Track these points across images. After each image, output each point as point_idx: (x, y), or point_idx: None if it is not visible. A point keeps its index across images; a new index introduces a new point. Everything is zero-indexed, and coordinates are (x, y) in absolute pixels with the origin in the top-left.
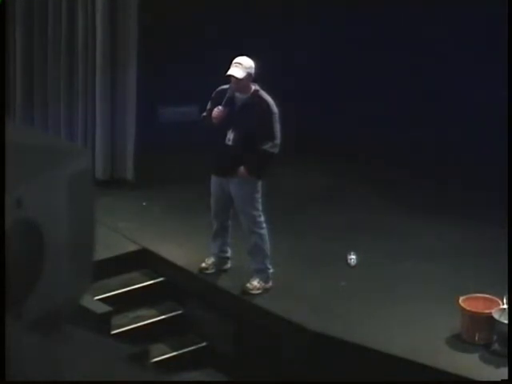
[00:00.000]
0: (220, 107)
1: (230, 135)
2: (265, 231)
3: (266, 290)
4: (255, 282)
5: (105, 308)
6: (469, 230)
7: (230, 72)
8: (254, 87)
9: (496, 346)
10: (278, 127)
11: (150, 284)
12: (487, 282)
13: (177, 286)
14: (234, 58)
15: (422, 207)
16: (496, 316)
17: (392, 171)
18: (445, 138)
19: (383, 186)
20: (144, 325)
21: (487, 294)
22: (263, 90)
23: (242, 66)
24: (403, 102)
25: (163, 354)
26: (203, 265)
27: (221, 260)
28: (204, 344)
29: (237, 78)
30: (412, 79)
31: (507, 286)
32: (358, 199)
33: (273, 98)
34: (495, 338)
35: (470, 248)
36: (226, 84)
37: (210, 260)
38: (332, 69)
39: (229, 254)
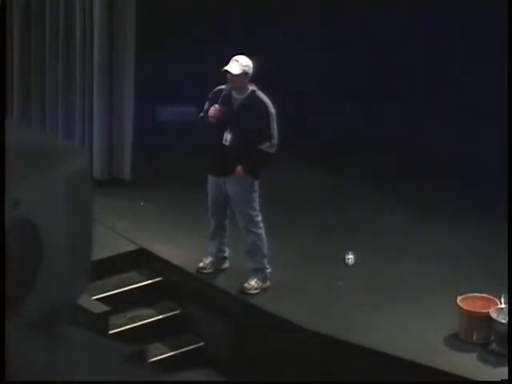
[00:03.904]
0: (216, 105)
1: (227, 135)
2: (262, 231)
3: (263, 290)
4: (253, 282)
5: (103, 308)
6: (467, 230)
7: (226, 67)
8: (251, 87)
9: (494, 346)
10: (275, 127)
11: (148, 284)
12: (485, 281)
13: (175, 285)
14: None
15: (421, 207)
16: (494, 316)
17: (391, 171)
18: (444, 138)
19: (382, 186)
20: (142, 324)
21: (485, 293)
22: (261, 90)
23: (238, 63)
24: (403, 102)
25: (161, 354)
26: (201, 264)
27: (218, 259)
28: (202, 344)
29: (232, 74)
30: (412, 79)
31: (507, 286)
32: (357, 199)
33: (272, 98)
34: (493, 337)
35: (468, 247)
36: (223, 84)
37: (208, 259)
38: (332, 68)
39: (226, 253)
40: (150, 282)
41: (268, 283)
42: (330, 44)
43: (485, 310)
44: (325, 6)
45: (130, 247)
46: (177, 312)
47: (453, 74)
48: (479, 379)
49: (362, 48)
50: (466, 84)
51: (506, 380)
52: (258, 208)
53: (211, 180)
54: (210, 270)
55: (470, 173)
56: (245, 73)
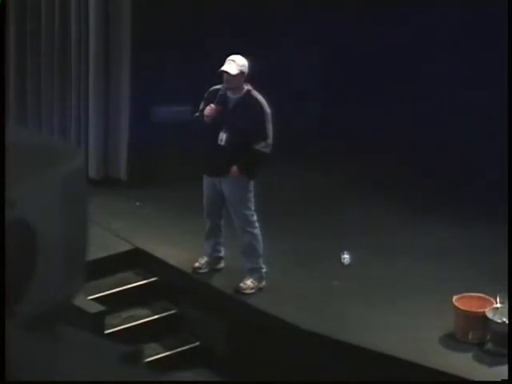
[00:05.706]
0: (212, 105)
1: (223, 135)
2: (258, 230)
3: (259, 290)
4: (249, 282)
5: (98, 307)
6: (464, 229)
7: (223, 68)
8: (246, 87)
9: (490, 346)
10: (270, 127)
11: (144, 284)
12: (481, 280)
13: (170, 285)
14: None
15: (420, 207)
16: (490, 315)
17: (389, 171)
18: (444, 138)
19: (379, 186)
20: (137, 324)
21: (481, 293)
22: (259, 90)
23: (235, 63)
24: (403, 102)
25: (157, 354)
26: (196, 264)
27: (214, 259)
28: (197, 343)
29: (229, 74)
30: (412, 79)
31: (504, 286)
32: (353, 198)
33: (270, 98)
34: (489, 337)
35: (465, 247)
36: (219, 84)
37: (204, 259)
38: (332, 68)
39: (222, 253)
40: (145, 281)
41: (264, 283)
42: (330, 44)
43: (481, 310)
44: (325, 6)
45: (126, 247)
46: (172, 312)
47: (453, 73)
48: (475, 379)
49: (362, 48)
50: (466, 84)
51: (506, 380)
52: (253, 208)
53: (206, 180)
54: (206, 270)
55: (470, 173)
56: (241, 72)
